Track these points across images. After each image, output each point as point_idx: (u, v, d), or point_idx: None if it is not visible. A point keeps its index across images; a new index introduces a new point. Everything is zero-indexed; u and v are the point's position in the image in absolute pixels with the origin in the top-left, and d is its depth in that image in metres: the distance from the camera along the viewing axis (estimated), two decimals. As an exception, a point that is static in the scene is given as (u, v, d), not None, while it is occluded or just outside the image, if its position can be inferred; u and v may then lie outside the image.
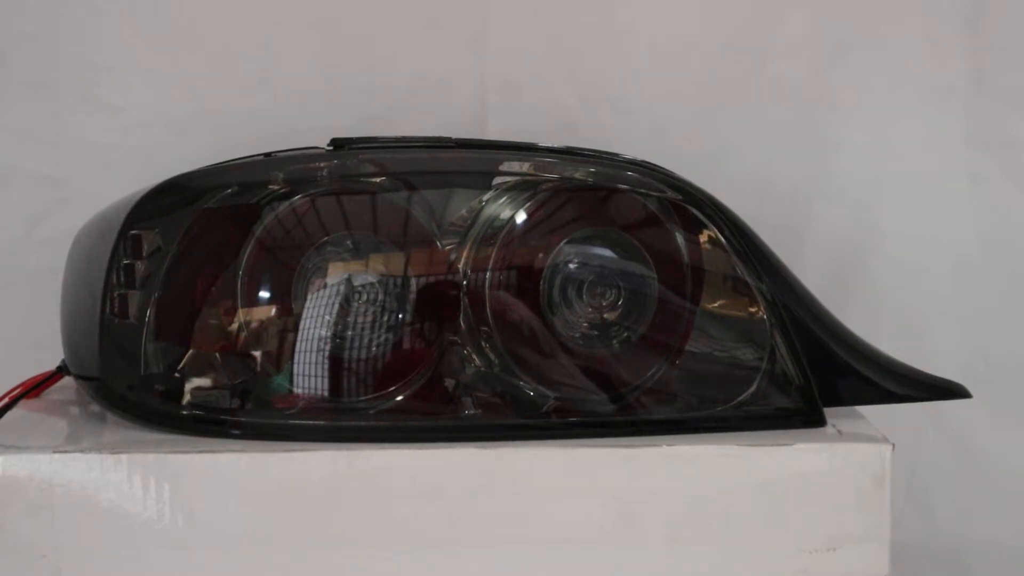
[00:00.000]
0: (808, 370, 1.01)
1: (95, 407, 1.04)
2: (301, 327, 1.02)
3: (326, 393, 1.02)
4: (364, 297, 1.03)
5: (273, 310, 1.03)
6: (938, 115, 1.42)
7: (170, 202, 1.00)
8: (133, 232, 0.99)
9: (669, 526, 0.96)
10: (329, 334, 1.02)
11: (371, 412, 1.02)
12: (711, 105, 1.42)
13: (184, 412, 1.00)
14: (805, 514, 0.96)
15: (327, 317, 1.02)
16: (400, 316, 1.03)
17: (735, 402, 1.02)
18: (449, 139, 1.06)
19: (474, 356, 1.04)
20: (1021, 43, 1.41)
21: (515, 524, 0.96)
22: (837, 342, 1.02)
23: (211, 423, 0.99)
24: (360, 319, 1.03)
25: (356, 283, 1.03)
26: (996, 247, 1.44)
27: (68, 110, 1.39)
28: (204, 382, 1.01)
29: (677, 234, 1.04)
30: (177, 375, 1.00)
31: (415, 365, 1.03)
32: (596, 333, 1.05)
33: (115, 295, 0.98)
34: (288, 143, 1.07)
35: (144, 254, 0.99)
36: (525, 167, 1.04)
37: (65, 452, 0.94)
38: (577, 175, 1.04)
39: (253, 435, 0.99)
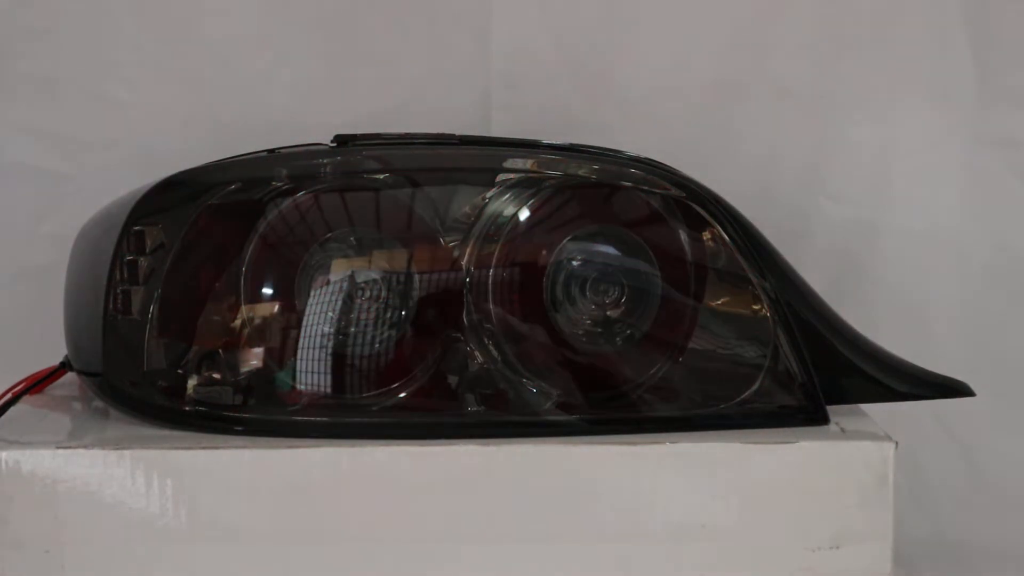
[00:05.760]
0: (811, 368, 1.01)
1: (98, 403, 1.04)
2: (304, 323, 1.02)
3: (329, 390, 1.02)
4: (367, 294, 1.03)
5: (276, 306, 1.03)
6: (942, 113, 1.42)
7: (174, 198, 1.00)
8: (136, 228, 0.99)
9: (671, 524, 0.96)
10: (332, 331, 1.02)
11: (374, 409, 1.02)
12: (715, 102, 1.42)
13: (187, 408, 1.00)
14: (808, 512, 0.96)
15: (330, 314, 1.02)
16: (403, 313, 1.03)
17: (738, 400, 1.02)
18: (453, 136, 1.06)
19: (477, 353, 1.04)
20: (1025, 41, 1.41)
21: (517, 521, 0.96)
22: (840, 340, 1.02)
23: (214, 419, 0.99)
24: (363, 316, 1.03)
25: (359, 280, 1.03)
26: (1000, 245, 1.44)
27: (72, 105, 1.39)
28: (207, 378, 1.01)
29: (680, 231, 1.04)
30: (180, 371, 1.00)
31: (418, 362, 1.03)
32: (599, 330, 1.05)
33: (118, 291, 0.98)
34: (292, 139, 1.07)
35: (147, 250, 0.99)
36: (529, 164, 1.04)
37: (68, 448, 0.94)
38: (581, 172, 1.03)
39: (256, 431, 0.99)
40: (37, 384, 1.09)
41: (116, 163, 1.38)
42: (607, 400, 1.04)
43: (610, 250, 1.05)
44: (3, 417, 1.03)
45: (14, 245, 1.41)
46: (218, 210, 1.01)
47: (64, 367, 1.08)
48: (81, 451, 0.94)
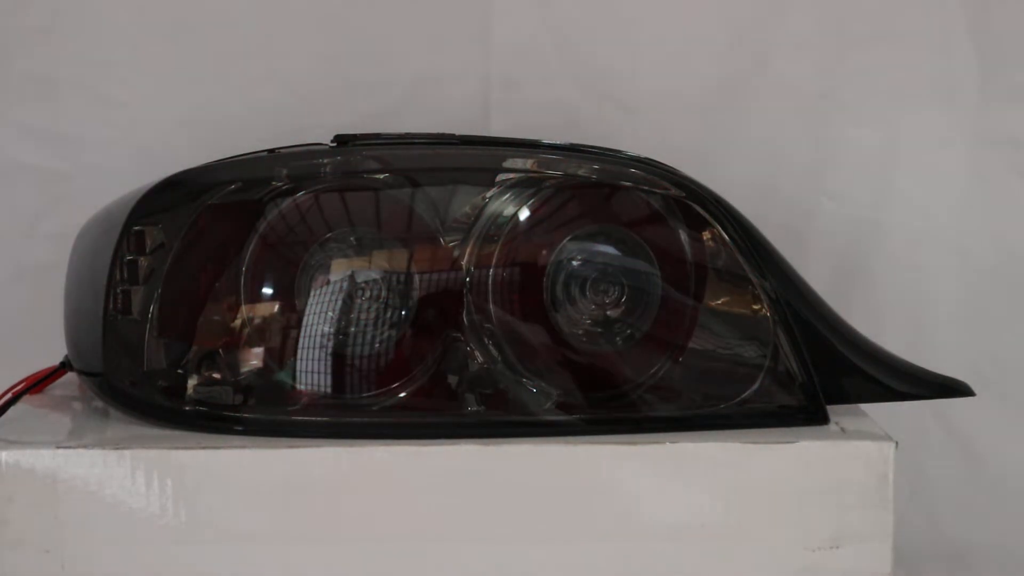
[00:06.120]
0: (811, 367, 1.01)
1: (98, 403, 1.04)
2: (304, 323, 1.02)
3: (329, 389, 1.02)
4: (367, 294, 1.03)
5: (276, 306, 1.03)
6: (944, 112, 1.42)
7: (173, 198, 1.00)
8: (136, 228, 0.99)
9: (671, 524, 0.96)
10: (332, 330, 1.02)
11: (374, 408, 1.02)
12: (716, 102, 1.42)
13: (187, 408, 1.00)
14: (808, 512, 0.96)
15: (330, 313, 1.02)
16: (403, 313, 1.03)
17: (738, 399, 1.02)
18: (453, 136, 1.06)
19: (477, 353, 1.04)
20: (1027, 40, 1.41)
21: (517, 521, 0.96)
22: (840, 339, 1.02)
23: (214, 419, 0.99)
24: (363, 315, 1.03)
25: (359, 279, 1.03)
26: (1001, 245, 1.44)
27: (72, 105, 1.40)
28: (207, 378, 1.01)
29: (681, 231, 1.04)
30: (180, 371, 1.00)
31: (418, 362, 1.03)
32: (599, 330, 1.05)
33: (118, 291, 0.99)
34: (292, 139, 1.07)
35: (147, 250, 0.99)
36: (529, 164, 1.04)
37: (68, 448, 0.94)
38: (581, 172, 1.03)
39: (256, 431, 0.99)
40: (37, 384, 1.09)
41: (116, 163, 1.38)
42: (607, 400, 1.04)
43: (610, 250, 1.05)
44: (3, 417, 1.03)
45: (14, 244, 1.41)
46: (218, 210, 1.01)
47: (64, 367, 1.08)
48: (81, 451, 0.94)
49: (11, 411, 1.04)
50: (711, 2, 1.42)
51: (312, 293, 1.02)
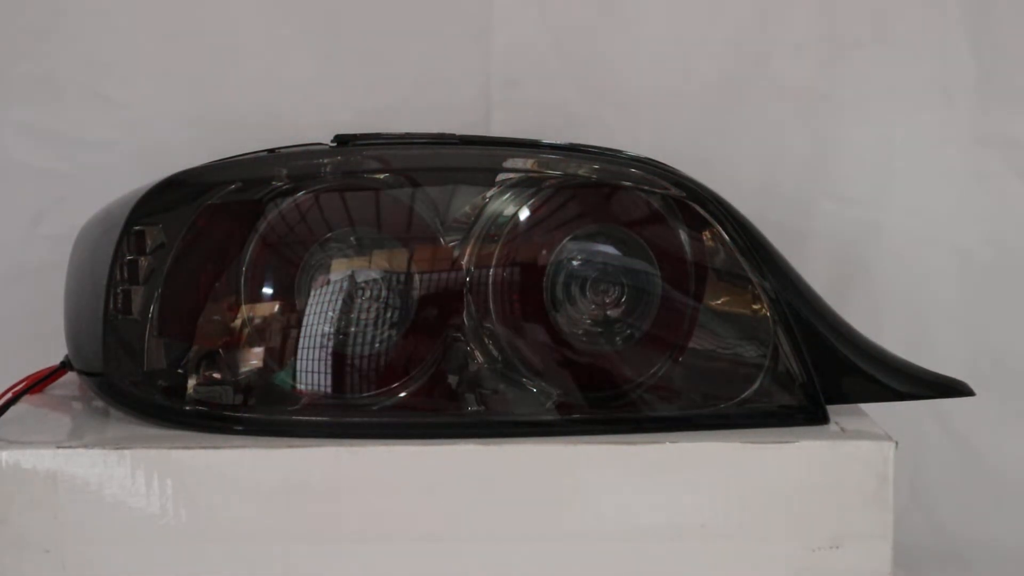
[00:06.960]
0: (811, 367, 1.01)
1: (98, 403, 1.04)
2: (304, 323, 1.02)
3: (329, 389, 1.02)
4: (367, 293, 1.03)
5: (276, 306, 1.03)
6: (943, 113, 1.42)
7: (174, 198, 1.01)
8: (137, 228, 0.99)
9: (671, 524, 0.96)
10: (332, 330, 1.02)
11: (374, 408, 1.02)
12: (715, 102, 1.42)
13: (187, 408, 1.00)
14: (808, 512, 0.96)
15: (330, 313, 1.02)
16: (403, 312, 1.03)
17: (738, 399, 1.02)
18: (453, 135, 1.06)
19: (477, 353, 1.04)
20: (1026, 40, 1.41)
21: (517, 521, 0.96)
22: (840, 339, 1.02)
23: (214, 419, 0.99)
24: (363, 315, 1.03)
25: (359, 279, 1.03)
26: (1001, 245, 1.44)
27: (72, 106, 1.40)
28: (207, 378, 1.01)
29: (680, 231, 1.04)
30: (180, 371, 1.00)
31: (418, 362, 1.03)
32: (599, 330, 1.05)
33: (118, 291, 0.99)
34: (292, 139, 1.07)
35: (147, 250, 0.99)
36: (529, 164, 1.04)
37: (68, 447, 0.94)
38: (581, 172, 1.03)
39: (256, 431, 0.99)
40: (37, 384, 1.09)
41: (116, 163, 1.38)
42: (607, 400, 1.04)
43: (610, 250, 1.05)
44: (3, 417, 1.03)
45: (15, 245, 1.41)
46: (218, 210, 1.01)
47: (64, 367, 1.08)
48: (81, 451, 0.94)
49: (11, 411, 1.04)
50: (711, 2, 1.42)
51: (312, 293, 1.02)
